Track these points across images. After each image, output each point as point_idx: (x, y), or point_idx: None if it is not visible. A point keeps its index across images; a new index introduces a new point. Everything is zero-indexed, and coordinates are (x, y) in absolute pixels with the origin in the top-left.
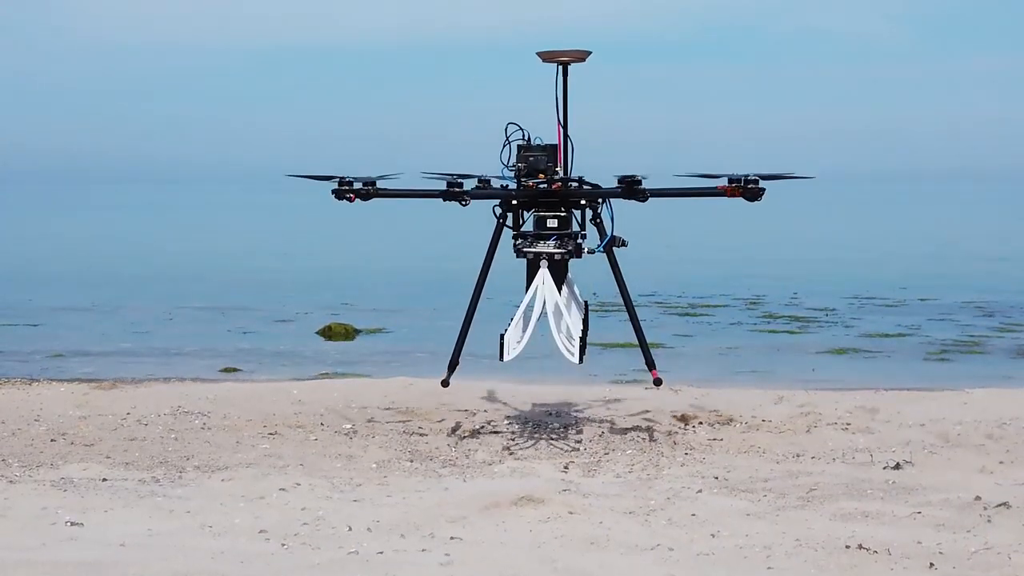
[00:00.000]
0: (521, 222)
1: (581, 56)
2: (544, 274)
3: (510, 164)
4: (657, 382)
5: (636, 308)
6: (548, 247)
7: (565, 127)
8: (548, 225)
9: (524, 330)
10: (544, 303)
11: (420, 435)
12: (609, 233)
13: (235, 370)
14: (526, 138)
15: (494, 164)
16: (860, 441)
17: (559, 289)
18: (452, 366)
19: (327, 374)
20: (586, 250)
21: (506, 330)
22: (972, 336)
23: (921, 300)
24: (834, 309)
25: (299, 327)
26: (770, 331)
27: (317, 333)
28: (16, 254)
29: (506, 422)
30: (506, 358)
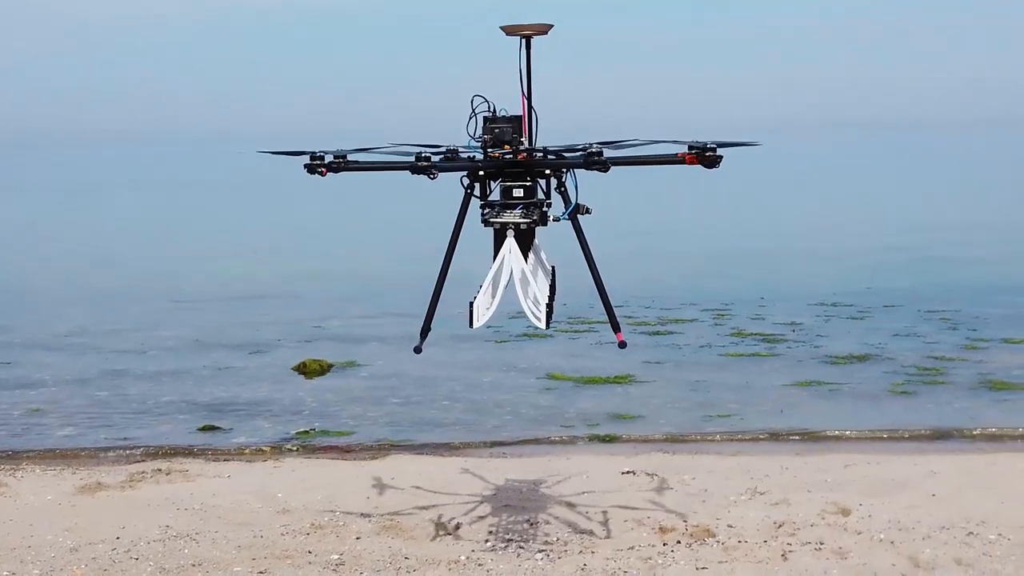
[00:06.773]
0: (488, 192)
1: (543, 29)
2: (511, 243)
3: (476, 136)
4: (622, 345)
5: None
6: (514, 216)
7: (529, 99)
8: (514, 195)
9: (493, 297)
10: (511, 272)
11: (408, 570)
12: (574, 201)
13: (215, 428)
14: (492, 110)
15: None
16: (835, 572)
17: (525, 256)
18: (424, 332)
19: (307, 433)
20: (551, 218)
21: (475, 297)
22: (936, 359)
23: (885, 307)
24: (800, 323)
25: (274, 360)
26: (738, 355)
27: (293, 369)
28: None
29: (488, 544)
30: (475, 325)
